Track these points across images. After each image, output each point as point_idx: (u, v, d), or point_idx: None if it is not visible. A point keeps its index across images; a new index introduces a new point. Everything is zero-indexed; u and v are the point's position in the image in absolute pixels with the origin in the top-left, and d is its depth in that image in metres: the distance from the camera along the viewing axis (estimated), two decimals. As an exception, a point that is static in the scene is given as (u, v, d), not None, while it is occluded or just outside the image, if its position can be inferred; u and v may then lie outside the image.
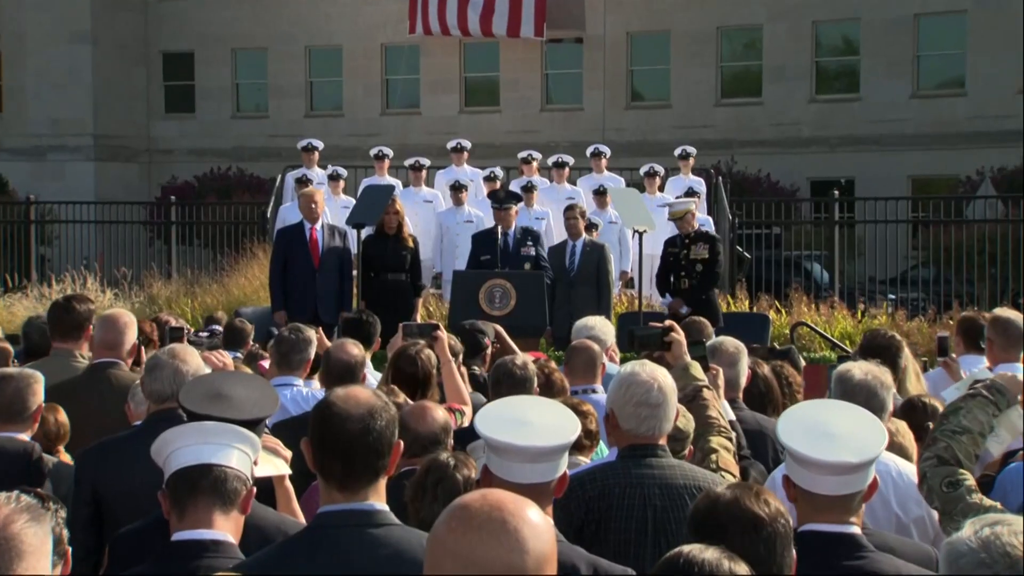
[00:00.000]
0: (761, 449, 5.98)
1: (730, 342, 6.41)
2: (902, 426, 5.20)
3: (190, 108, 32.98)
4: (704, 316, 9.57)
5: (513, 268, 12.09)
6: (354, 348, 6.05)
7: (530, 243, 12.64)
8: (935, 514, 4.67)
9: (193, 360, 4.93)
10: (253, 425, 3.97)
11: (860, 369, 4.94)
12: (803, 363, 9.43)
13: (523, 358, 6.33)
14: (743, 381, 6.35)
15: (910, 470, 4.81)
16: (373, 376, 7.08)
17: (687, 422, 4.87)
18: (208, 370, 5.15)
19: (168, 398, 4.77)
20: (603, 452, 5.30)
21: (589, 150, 17.96)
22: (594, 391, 6.58)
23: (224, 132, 32.17)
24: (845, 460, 3.60)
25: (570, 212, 13.38)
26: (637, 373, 4.46)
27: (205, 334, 8.88)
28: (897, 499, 4.78)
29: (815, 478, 3.61)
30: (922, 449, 4.33)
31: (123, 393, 5.71)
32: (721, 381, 5.96)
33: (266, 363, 7.17)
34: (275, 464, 4.27)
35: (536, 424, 3.70)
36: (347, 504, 3.32)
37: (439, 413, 4.85)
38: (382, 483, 3.37)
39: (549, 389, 6.21)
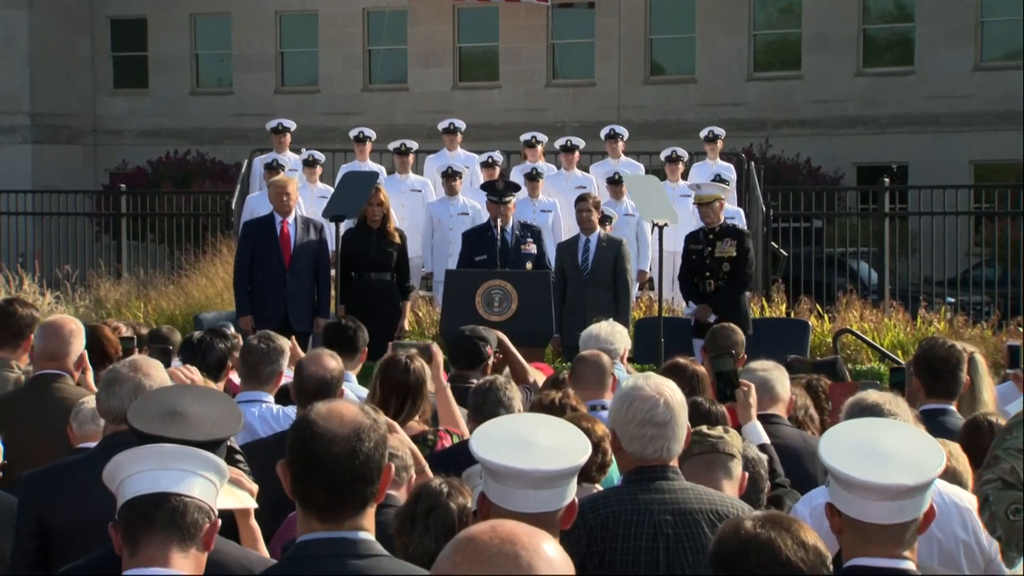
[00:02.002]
0: (811, 473, 5.96)
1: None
2: (955, 448, 5.23)
3: (142, 82, 32.98)
4: (731, 323, 9.60)
5: (513, 269, 12.12)
6: (331, 360, 6.07)
7: (530, 240, 12.65)
8: (984, 539, 4.69)
9: (157, 374, 4.92)
10: (212, 447, 3.97)
11: (874, 394, 5.18)
12: (849, 377, 9.45)
13: (501, 379, 6.36)
14: (779, 390, 6.41)
15: (952, 491, 4.84)
16: (355, 394, 7.09)
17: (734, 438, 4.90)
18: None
19: (128, 418, 4.78)
20: (614, 478, 5.31)
21: (603, 132, 17.96)
22: (603, 407, 6.61)
23: (182, 110, 32.17)
24: (899, 483, 3.59)
25: (582, 203, 13.33)
26: (640, 388, 4.46)
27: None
28: (937, 522, 4.82)
29: (864, 504, 3.61)
30: (982, 469, 4.34)
31: (69, 410, 5.74)
32: (753, 399, 5.98)
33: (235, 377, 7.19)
34: (237, 496, 4.23)
35: (541, 445, 3.70)
36: (328, 532, 3.34)
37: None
38: (370, 512, 3.38)
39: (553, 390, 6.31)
